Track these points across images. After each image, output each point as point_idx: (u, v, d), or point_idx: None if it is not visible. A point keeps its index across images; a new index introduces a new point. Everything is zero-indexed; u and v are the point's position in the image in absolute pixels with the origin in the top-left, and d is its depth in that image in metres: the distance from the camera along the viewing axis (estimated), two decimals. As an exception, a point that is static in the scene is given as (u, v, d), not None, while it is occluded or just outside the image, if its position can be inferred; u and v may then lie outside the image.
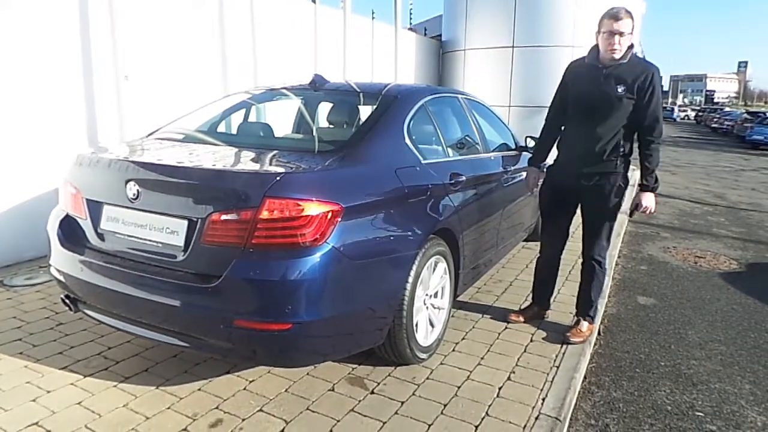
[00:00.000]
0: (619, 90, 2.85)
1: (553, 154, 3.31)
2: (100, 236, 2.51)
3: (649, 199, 2.98)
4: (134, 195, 2.32)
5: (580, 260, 3.26)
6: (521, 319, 3.40)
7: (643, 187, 2.98)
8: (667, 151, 19.55)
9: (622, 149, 2.95)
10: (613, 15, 2.82)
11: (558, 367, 2.86)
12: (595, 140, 2.94)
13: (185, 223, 2.23)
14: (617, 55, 2.85)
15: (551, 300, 3.53)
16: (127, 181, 2.33)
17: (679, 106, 79.15)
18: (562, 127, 3.23)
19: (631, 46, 2.89)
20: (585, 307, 3.24)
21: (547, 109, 3.32)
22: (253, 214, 2.09)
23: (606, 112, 2.91)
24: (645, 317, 3.94)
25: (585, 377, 2.97)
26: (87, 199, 2.55)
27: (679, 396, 2.86)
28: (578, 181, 3.04)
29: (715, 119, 35.94)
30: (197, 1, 5.66)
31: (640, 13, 10.89)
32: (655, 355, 3.33)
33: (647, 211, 3.00)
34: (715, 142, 25.61)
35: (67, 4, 4.44)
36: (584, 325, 3.20)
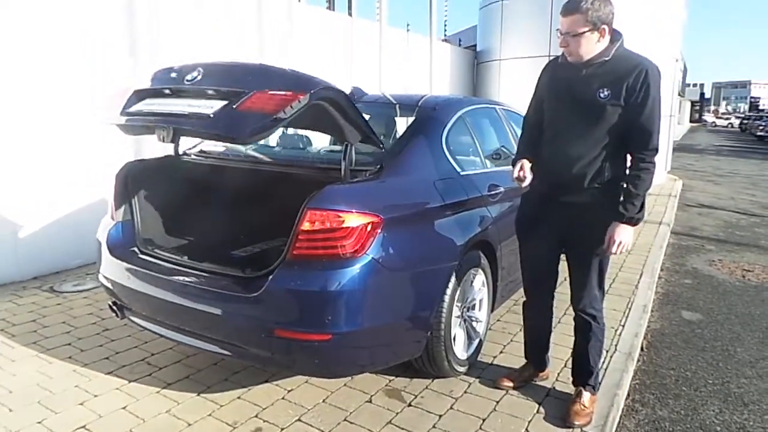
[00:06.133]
0: (602, 95, 2.23)
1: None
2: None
3: (624, 234, 2.28)
4: None
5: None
6: (511, 384, 2.73)
7: (618, 216, 2.27)
8: (709, 160, 18.95)
9: (607, 174, 2.31)
10: (563, 8, 2.24)
11: (600, 383, 2.78)
12: (572, 161, 2.31)
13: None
14: (573, 59, 2.29)
15: (547, 358, 2.83)
16: None
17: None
18: (538, 140, 2.56)
19: (615, 38, 2.27)
20: (583, 375, 2.57)
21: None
22: (294, 225, 2.13)
23: (584, 124, 2.29)
24: (690, 333, 3.81)
25: (628, 394, 2.88)
26: None
27: (728, 416, 2.75)
28: (557, 213, 2.43)
29: (761, 127, 34.64)
30: (237, 14, 5.81)
31: (680, 22, 10.63)
32: (702, 372, 3.21)
33: (619, 249, 2.30)
34: (761, 151, 24.65)
35: (119, 27, 4.62)
36: (586, 396, 2.52)
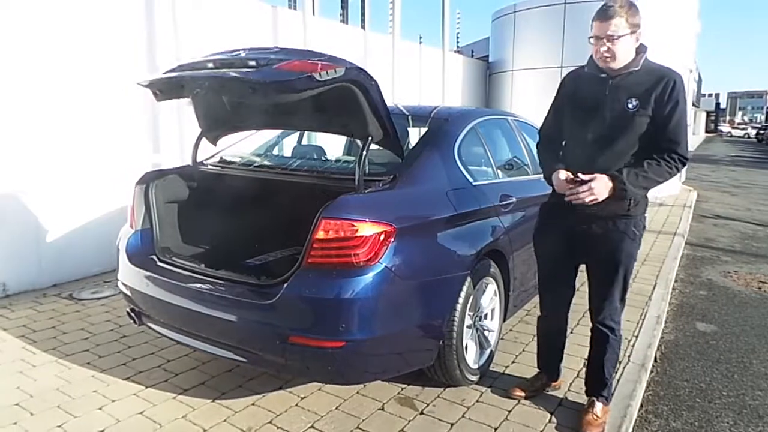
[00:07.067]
0: (630, 105, 2.25)
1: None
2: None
3: (600, 187, 2.19)
4: None
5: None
6: (523, 394, 2.74)
7: (613, 176, 2.21)
8: (725, 170, 18.75)
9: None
10: (600, 14, 2.24)
11: (613, 394, 2.78)
12: (600, 172, 2.26)
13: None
14: (612, 64, 2.27)
15: (560, 368, 2.83)
16: None
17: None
18: (560, 152, 2.54)
19: (641, 50, 2.31)
20: (597, 385, 2.57)
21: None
22: (309, 234, 2.18)
23: (613, 135, 2.29)
24: (705, 344, 3.78)
25: (642, 405, 2.87)
26: None
27: (743, 428, 2.72)
28: (580, 225, 2.39)
29: (778, 138, 34.25)
30: (253, 27, 5.93)
31: (694, 32, 10.60)
32: (717, 384, 3.19)
33: (580, 194, 2.22)
34: (779, 162, 24.34)
35: (121, 27, 4.74)
36: (599, 407, 2.53)
